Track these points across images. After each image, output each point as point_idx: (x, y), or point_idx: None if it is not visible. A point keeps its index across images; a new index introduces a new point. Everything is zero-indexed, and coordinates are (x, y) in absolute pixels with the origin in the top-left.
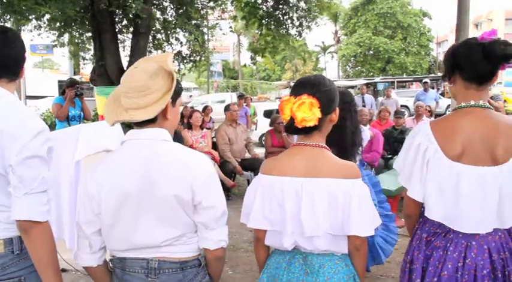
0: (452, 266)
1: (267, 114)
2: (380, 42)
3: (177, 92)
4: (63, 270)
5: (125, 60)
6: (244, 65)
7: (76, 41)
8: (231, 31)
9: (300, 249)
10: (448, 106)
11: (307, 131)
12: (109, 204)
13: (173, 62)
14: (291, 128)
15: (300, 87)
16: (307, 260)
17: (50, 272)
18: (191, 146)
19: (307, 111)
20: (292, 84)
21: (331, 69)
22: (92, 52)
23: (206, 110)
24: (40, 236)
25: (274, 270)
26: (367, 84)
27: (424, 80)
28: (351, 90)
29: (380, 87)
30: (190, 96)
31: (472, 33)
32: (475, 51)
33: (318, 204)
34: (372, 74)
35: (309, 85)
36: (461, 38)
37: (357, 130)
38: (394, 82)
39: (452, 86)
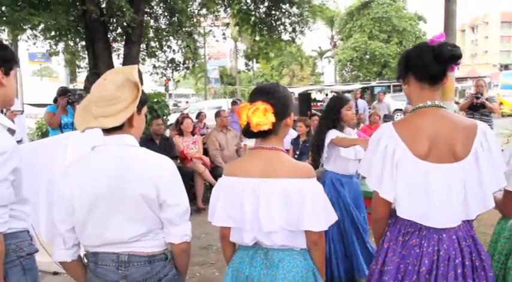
0: (429, 261)
1: None
2: (376, 46)
3: (142, 102)
4: (55, 273)
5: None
6: (239, 72)
7: (71, 49)
8: (224, 38)
9: (261, 245)
10: None
11: (263, 135)
12: (82, 204)
13: (166, 69)
14: (248, 132)
15: (255, 95)
16: (268, 254)
17: None
18: (182, 152)
19: (262, 116)
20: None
21: (328, 74)
22: (86, 60)
23: (200, 116)
24: None
25: (238, 265)
26: (364, 89)
27: None
28: (348, 95)
29: (377, 91)
30: (187, 102)
31: (469, 36)
32: (426, 53)
33: (274, 202)
34: (368, 78)
35: (264, 92)
36: (449, 41)
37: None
38: (390, 86)
39: (407, 87)
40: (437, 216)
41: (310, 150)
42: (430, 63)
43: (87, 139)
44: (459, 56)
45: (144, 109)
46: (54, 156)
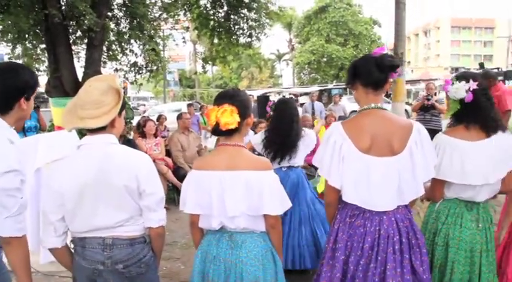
0: (371, 239)
1: None
2: (333, 49)
3: (122, 106)
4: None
5: (80, 71)
6: (195, 73)
7: (29, 52)
8: (184, 42)
9: (226, 229)
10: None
11: (229, 133)
12: (71, 195)
13: (129, 72)
14: (217, 131)
15: (222, 98)
16: (232, 237)
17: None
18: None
19: (229, 117)
20: (247, 92)
21: (287, 77)
22: (46, 64)
23: (160, 119)
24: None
25: (207, 247)
26: (321, 91)
27: None
28: (306, 97)
29: (334, 93)
30: (144, 105)
31: (422, 39)
32: (370, 63)
33: (237, 191)
34: (326, 80)
35: (228, 96)
36: (399, 47)
37: (300, 131)
38: (346, 88)
39: (355, 92)
40: (377, 201)
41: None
42: (373, 72)
43: (57, 142)
44: (397, 66)
45: (124, 112)
46: (25, 160)
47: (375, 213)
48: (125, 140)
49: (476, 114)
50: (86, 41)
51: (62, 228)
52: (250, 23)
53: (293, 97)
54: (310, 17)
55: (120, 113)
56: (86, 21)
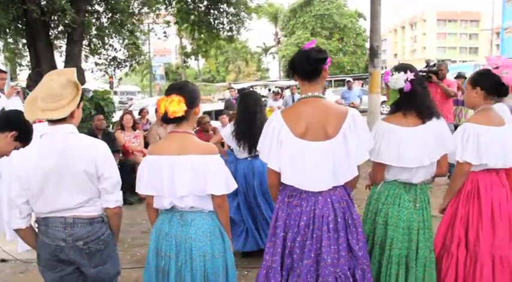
0: (307, 218)
1: (206, 115)
2: (318, 42)
3: (81, 98)
4: (3, 260)
5: (61, 66)
6: (178, 68)
7: (11, 47)
8: (165, 36)
9: (177, 209)
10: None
11: (178, 122)
12: (35, 180)
13: (109, 67)
14: (166, 119)
15: (171, 90)
16: (182, 216)
17: None
18: (124, 146)
19: (176, 106)
20: (233, 85)
21: (274, 70)
22: (28, 58)
23: (142, 112)
24: None
25: (160, 225)
26: None
27: (347, 79)
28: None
29: None
30: (131, 99)
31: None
32: (301, 57)
33: (185, 173)
34: None
35: (177, 87)
36: (374, 40)
37: (264, 121)
38: (331, 81)
39: (298, 83)
40: (311, 182)
41: None
42: (303, 65)
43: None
44: (325, 58)
45: (82, 103)
46: None
47: (311, 194)
48: (104, 133)
49: (413, 103)
50: (66, 36)
51: (27, 211)
52: (230, 17)
53: (279, 90)
54: (295, 10)
55: (78, 105)
56: (65, 17)
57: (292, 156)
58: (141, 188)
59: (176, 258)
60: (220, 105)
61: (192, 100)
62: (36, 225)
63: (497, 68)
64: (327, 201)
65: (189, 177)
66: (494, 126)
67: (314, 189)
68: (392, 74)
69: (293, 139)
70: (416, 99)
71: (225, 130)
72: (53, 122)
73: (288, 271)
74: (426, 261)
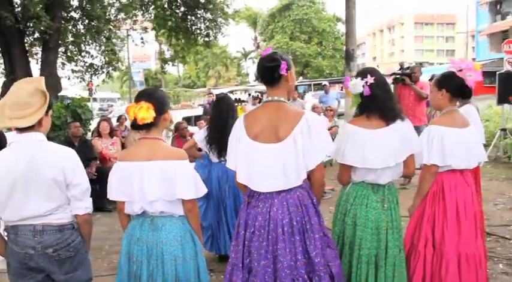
0: (263, 219)
1: (186, 120)
2: (297, 47)
3: (49, 106)
4: None
5: (37, 73)
6: (156, 74)
7: None
8: (142, 42)
9: (148, 214)
10: None
11: (147, 128)
12: (3, 188)
13: (86, 73)
14: (135, 125)
15: (140, 96)
16: (153, 221)
17: None
18: (101, 153)
19: (145, 113)
20: (213, 90)
21: (253, 75)
22: (2, 66)
23: (120, 119)
24: None
25: (132, 231)
26: None
27: (323, 83)
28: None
29: (301, 90)
30: (111, 106)
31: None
32: (259, 63)
33: (154, 178)
34: None
35: (146, 95)
36: (350, 44)
37: None
38: (311, 85)
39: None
40: (261, 182)
41: None
42: (260, 72)
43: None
44: (276, 66)
45: (50, 111)
46: None
47: (268, 195)
48: (81, 141)
49: (375, 106)
50: (42, 43)
51: None
52: (207, 23)
53: (258, 94)
54: (274, 15)
55: (47, 113)
56: (41, 24)
57: (245, 157)
58: (112, 194)
59: (148, 262)
60: (200, 111)
61: (161, 106)
62: (6, 234)
63: (460, 70)
64: (282, 204)
65: (158, 182)
66: (458, 127)
67: (265, 190)
68: (351, 80)
69: (247, 140)
70: (377, 103)
71: (198, 135)
72: (21, 130)
73: (248, 270)
74: (396, 260)
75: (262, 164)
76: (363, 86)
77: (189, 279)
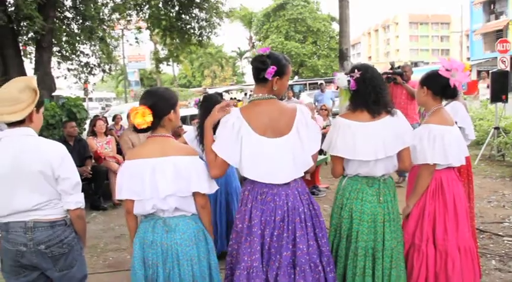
0: (282, 211)
1: (181, 119)
2: (292, 46)
3: (40, 103)
4: None
5: (31, 72)
6: (150, 73)
7: None
8: (137, 42)
9: (159, 215)
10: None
11: (152, 129)
12: None
13: (82, 73)
14: (136, 129)
15: (141, 99)
16: (166, 222)
17: None
18: (96, 152)
19: (141, 118)
20: (208, 90)
21: (250, 74)
22: None
23: (116, 118)
24: None
25: (143, 234)
26: None
27: (319, 82)
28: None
29: (296, 89)
30: (107, 105)
31: (381, 35)
32: (252, 62)
33: (168, 173)
34: None
35: (146, 97)
36: (343, 43)
37: None
38: (306, 84)
39: None
40: (274, 175)
41: None
42: (253, 70)
43: None
44: (263, 69)
45: (42, 109)
46: None
47: (282, 188)
48: (76, 140)
49: (359, 99)
50: (36, 42)
51: None
52: (201, 22)
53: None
54: (269, 15)
55: (38, 110)
56: (34, 24)
57: (254, 153)
58: (122, 194)
59: (163, 265)
60: (195, 110)
61: (160, 109)
62: None
63: (448, 70)
64: (295, 194)
65: (172, 177)
66: (450, 125)
67: (282, 181)
68: (337, 74)
69: (254, 136)
70: (362, 97)
71: (188, 134)
72: (11, 125)
73: (266, 267)
74: (393, 252)
75: (276, 158)
76: (348, 81)
77: (204, 278)
